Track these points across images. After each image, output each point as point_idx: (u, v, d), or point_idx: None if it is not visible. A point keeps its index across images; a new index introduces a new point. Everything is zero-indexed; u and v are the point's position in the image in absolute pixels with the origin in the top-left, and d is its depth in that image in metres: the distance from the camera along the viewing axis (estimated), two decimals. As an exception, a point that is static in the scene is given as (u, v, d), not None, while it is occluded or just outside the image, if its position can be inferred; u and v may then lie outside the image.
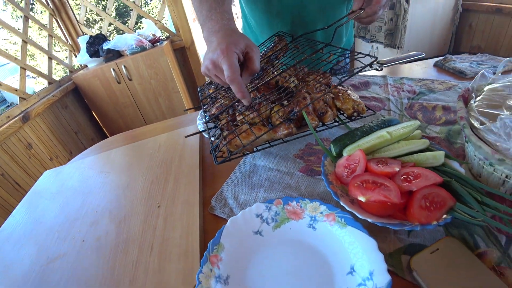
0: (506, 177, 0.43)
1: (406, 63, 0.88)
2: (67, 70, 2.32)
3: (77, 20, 2.26)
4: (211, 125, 0.70)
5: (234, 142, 0.55)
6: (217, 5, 0.61)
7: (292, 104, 0.57)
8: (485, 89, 0.56)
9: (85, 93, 2.16)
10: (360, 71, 0.56)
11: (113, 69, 2.05)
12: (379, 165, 0.44)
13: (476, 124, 0.49)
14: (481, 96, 0.55)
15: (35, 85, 2.07)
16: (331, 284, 0.37)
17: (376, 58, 0.56)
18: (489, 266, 0.36)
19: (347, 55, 1.11)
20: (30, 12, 1.95)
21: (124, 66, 2.06)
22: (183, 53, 2.45)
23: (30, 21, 1.93)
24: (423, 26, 1.79)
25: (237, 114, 0.62)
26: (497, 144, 0.43)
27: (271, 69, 0.72)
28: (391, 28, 1.83)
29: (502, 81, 0.57)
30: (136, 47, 2.05)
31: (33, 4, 2.14)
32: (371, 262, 0.36)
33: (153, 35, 2.20)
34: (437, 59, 0.97)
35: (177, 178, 0.63)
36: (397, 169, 0.42)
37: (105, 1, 2.25)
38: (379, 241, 0.41)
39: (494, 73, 0.62)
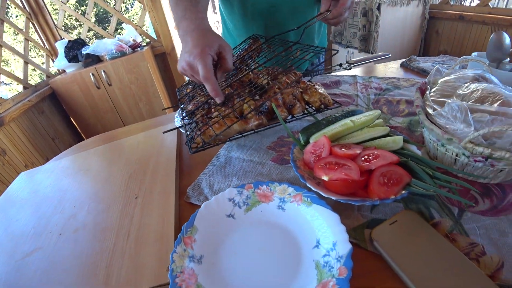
0: (456, 155, 0.47)
1: (373, 62, 0.94)
2: (44, 76, 2.26)
3: (55, 25, 2.22)
4: (189, 121, 0.72)
5: (207, 132, 0.58)
6: (192, 6, 0.64)
7: (263, 98, 0.60)
8: (439, 81, 0.62)
9: (62, 98, 2.12)
10: (331, 69, 0.60)
11: (92, 74, 2.03)
12: (343, 149, 0.47)
13: (430, 111, 0.53)
14: (435, 88, 0.60)
15: (9, 92, 2.00)
16: (299, 257, 0.39)
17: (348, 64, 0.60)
18: (443, 234, 0.40)
19: (321, 56, 1.16)
20: (5, 16, 1.91)
21: (104, 71, 2.04)
22: (163, 58, 2.46)
23: (5, 24, 1.88)
24: (394, 32, 1.90)
25: (212, 108, 0.65)
26: (447, 126, 0.48)
27: (245, 67, 0.75)
28: (365, 34, 1.93)
29: (453, 74, 0.62)
30: (116, 52, 2.04)
31: (8, 8, 2.09)
32: (334, 234, 0.38)
33: (134, 40, 2.20)
34: (404, 60, 1.04)
35: (155, 172, 0.64)
36: (358, 151, 0.46)
37: (85, 7, 2.23)
38: (344, 218, 0.44)
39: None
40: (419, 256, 0.36)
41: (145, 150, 0.76)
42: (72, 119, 2.27)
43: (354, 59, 0.88)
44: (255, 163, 0.61)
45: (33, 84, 2.07)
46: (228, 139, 0.61)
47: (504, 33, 0.62)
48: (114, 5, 2.24)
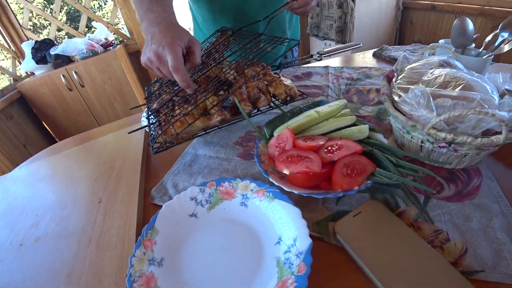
0: (422, 142, 0.47)
1: (345, 52, 0.93)
2: (11, 79, 2.15)
3: (20, 25, 2.10)
4: (153, 120, 0.69)
5: (169, 131, 0.55)
6: None
7: (227, 93, 0.58)
8: (406, 69, 0.61)
9: (32, 102, 2.01)
10: (304, 61, 0.58)
11: (63, 76, 1.94)
12: (306, 141, 0.46)
13: (396, 98, 0.52)
14: (402, 75, 0.59)
15: None
16: (261, 255, 0.38)
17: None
18: (408, 223, 0.39)
19: (295, 50, 1.15)
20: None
21: (75, 72, 1.95)
22: (138, 56, 2.38)
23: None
24: (369, 23, 1.91)
25: (176, 106, 0.62)
26: (411, 113, 0.47)
27: (212, 62, 0.72)
28: (341, 26, 1.93)
29: (420, 61, 0.62)
30: (87, 51, 1.95)
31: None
32: (295, 230, 0.37)
33: (106, 39, 2.11)
34: (376, 49, 1.03)
35: (120, 173, 0.62)
36: (322, 142, 0.44)
37: (53, 5, 2.12)
38: (308, 211, 0.43)
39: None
40: (382, 247, 0.35)
41: (112, 152, 0.73)
42: (44, 123, 2.16)
43: (325, 50, 0.87)
44: (221, 160, 0.58)
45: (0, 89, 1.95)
46: (191, 137, 0.58)
47: (467, 19, 0.62)
48: (84, 3, 2.14)
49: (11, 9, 2.05)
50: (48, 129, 2.19)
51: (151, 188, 0.56)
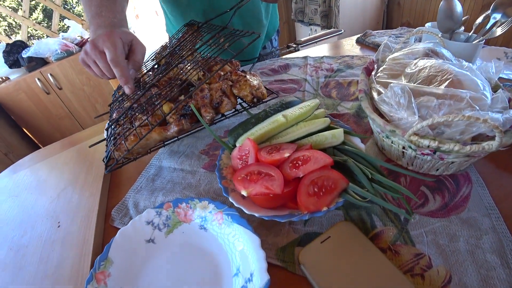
0: (403, 148, 0.41)
1: (323, 40, 0.85)
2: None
3: (-12, 27, 1.99)
4: (111, 132, 0.63)
5: (121, 147, 0.49)
6: (108, 3, 0.56)
7: (187, 99, 0.52)
8: (387, 59, 0.55)
9: (9, 109, 1.92)
10: (282, 50, 0.51)
11: (38, 79, 1.84)
12: (271, 153, 0.40)
13: (375, 95, 0.46)
14: (383, 67, 0.53)
15: None
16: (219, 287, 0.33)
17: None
18: (385, 246, 0.34)
19: (274, 39, 1.07)
20: None
21: (51, 74, 1.85)
22: (119, 54, 2.27)
23: None
24: (355, 6, 1.82)
25: (133, 118, 0.56)
26: (391, 114, 0.41)
27: (175, 61, 0.65)
28: (325, 10, 1.83)
29: (403, 50, 0.55)
30: (61, 52, 1.85)
31: None
32: (253, 262, 0.32)
33: (81, 37, 2.01)
34: (359, 35, 0.96)
35: (82, 191, 0.57)
36: (287, 155, 0.38)
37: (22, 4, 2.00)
38: (273, 235, 0.38)
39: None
40: (349, 279, 0.30)
41: (76, 166, 0.67)
42: (25, 130, 2.08)
43: (303, 39, 0.80)
44: (185, 172, 0.53)
45: (-28, 96, 1.86)
46: (149, 151, 0.52)
47: (455, 0, 0.55)
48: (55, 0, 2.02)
49: (-23, 11, 1.94)
50: (30, 135, 2.11)
51: (113, 207, 0.51)
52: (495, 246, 0.33)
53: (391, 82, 0.47)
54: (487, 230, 0.34)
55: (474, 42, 0.57)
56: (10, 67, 1.88)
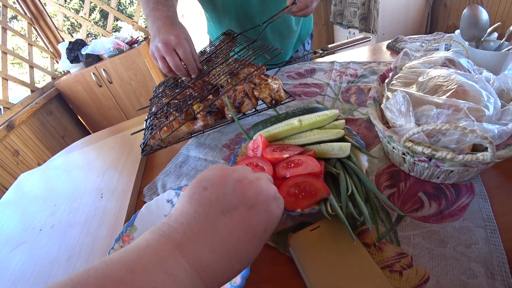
0: (403, 154, 0.42)
1: (352, 46, 0.86)
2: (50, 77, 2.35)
3: (55, 27, 2.28)
4: (150, 123, 0.72)
5: (156, 136, 0.58)
6: (163, 0, 0.69)
7: (213, 98, 0.59)
8: (404, 67, 0.56)
9: (68, 98, 2.19)
10: (303, 56, 0.56)
11: (93, 73, 2.07)
12: (274, 151, 0.44)
13: (384, 102, 0.48)
14: (399, 74, 0.54)
15: (26, 92, 2.09)
16: None
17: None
18: (370, 242, 0.37)
19: (306, 43, 1.10)
20: (14, 21, 1.98)
21: (104, 70, 2.07)
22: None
23: (8, 31, 1.95)
24: (396, 8, 1.75)
25: (168, 113, 0.65)
26: (393, 121, 0.43)
27: (208, 68, 0.73)
28: (365, 13, 1.79)
29: (421, 59, 0.56)
30: (113, 50, 2.06)
31: (15, 17, 2.16)
32: None
33: (131, 36, 2.21)
34: (389, 40, 0.95)
35: (122, 172, 0.67)
36: (286, 156, 0.42)
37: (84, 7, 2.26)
38: None
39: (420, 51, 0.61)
40: (330, 267, 0.33)
41: (120, 150, 0.79)
42: (79, 117, 2.35)
43: (330, 45, 0.82)
44: (208, 162, 0.60)
45: (40, 87, 2.15)
46: (178, 141, 0.60)
47: (480, 7, 0.54)
48: (111, 3, 2.24)
49: (47, 13, 2.22)
50: (83, 122, 2.37)
51: (146, 186, 0.60)
52: (483, 256, 0.33)
53: (394, 92, 0.48)
54: (478, 240, 0.35)
55: (503, 51, 0.55)
56: (71, 62, 2.14)
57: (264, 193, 0.25)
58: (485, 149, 0.38)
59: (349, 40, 0.83)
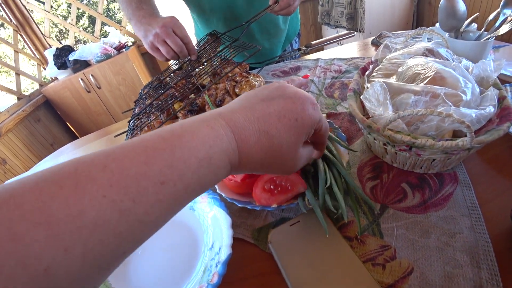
0: (384, 144, 0.42)
1: (335, 41, 0.86)
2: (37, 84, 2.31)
3: (42, 34, 2.25)
4: (132, 125, 0.71)
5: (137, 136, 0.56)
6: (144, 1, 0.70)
7: (195, 98, 0.58)
8: (384, 59, 0.55)
9: (56, 105, 2.16)
10: (289, 54, 0.56)
11: (81, 79, 2.05)
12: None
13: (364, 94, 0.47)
14: (379, 66, 0.54)
15: (14, 100, 2.05)
16: (196, 257, 0.38)
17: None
18: (352, 236, 0.35)
19: (294, 42, 1.10)
20: (0, 28, 1.95)
21: (92, 75, 2.05)
22: (151, 56, 2.43)
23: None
24: (382, 7, 1.76)
25: (150, 113, 0.63)
26: (372, 111, 0.42)
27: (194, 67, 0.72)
28: (351, 12, 1.80)
29: (401, 50, 0.55)
30: (101, 55, 2.03)
31: (2, 25, 2.13)
32: (223, 238, 0.36)
33: (119, 41, 2.19)
34: (373, 37, 0.95)
35: None
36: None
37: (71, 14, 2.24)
38: (253, 217, 0.41)
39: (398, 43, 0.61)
40: (310, 262, 0.32)
41: None
42: (68, 124, 2.31)
43: (314, 42, 0.81)
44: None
45: (27, 94, 2.11)
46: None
47: (457, -3, 0.54)
48: (98, 9, 2.23)
49: (34, 20, 2.20)
50: (72, 129, 2.34)
51: None
52: (467, 245, 0.32)
53: (371, 83, 0.48)
54: (463, 229, 0.34)
55: (482, 40, 0.55)
56: (59, 68, 2.11)
57: (302, 94, 0.27)
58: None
59: (332, 36, 0.82)
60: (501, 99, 0.40)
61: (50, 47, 2.26)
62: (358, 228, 0.36)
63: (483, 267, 0.30)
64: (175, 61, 0.93)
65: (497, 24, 0.55)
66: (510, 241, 0.32)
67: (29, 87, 3.09)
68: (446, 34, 0.59)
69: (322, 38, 2.46)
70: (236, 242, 0.37)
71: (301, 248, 0.33)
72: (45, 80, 2.34)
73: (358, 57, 0.84)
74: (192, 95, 0.61)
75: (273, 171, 0.27)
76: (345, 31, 0.95)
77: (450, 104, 0.34)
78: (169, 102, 0.59)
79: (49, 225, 0.14)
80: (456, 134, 0.38)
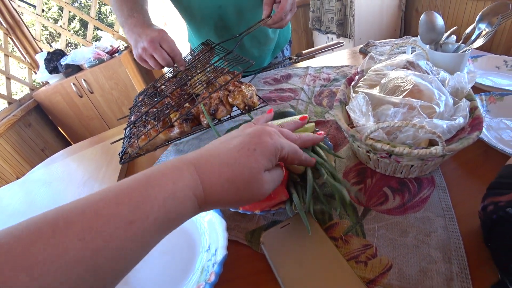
0: (367, 152, 0.45)
1: (324, 51, 0.90)
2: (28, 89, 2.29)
3: (33, 37, 2.23)
4: (129, 132, 0.73)
5: (134, 144, 0.59)
6: (137, 6, 0.71)
7: (189, 106, 0.61)
8: (369, 70, 0.59)
9: (48, 110, 2.14)
10: (280, 63, 0.58)
11: (73, 84, 2.04)
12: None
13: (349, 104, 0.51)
14: (364, 77, 0.57)
15: (3, 104, 2.03)
16: (194, 258, 0.40)
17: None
18: (337, 236, 0.39)
19: (285, 49, 1.13)
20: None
21: (84, 80, 2.05)
22: (144, 61, 2.45)
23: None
24: (371, 13, 1.82)
25: (146, 122, 0.65)
26: (356, 122, 0.45)
27: (188, 77, 0.74)
28: (341, 19, 1.86)
29: (384, 62, 0.59)
30: (94, 59, 2.04)
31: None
32: (219, 240, 0.38)
33: (111, 46, 2.19)
34: (361, 45, 0.99)
35: (103, 181, 0.67)
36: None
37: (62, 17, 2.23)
38: (247, 220, 0.44)
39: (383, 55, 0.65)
40: (299, 261, 0.35)
41: (100, 160, 0.78)
42: (60, 128, 2.30)
43: (304, 51, 0.85)
44: (185, 169, 0.61)
45: (18, 99, 2.09)
46: (156, 148, 0.61)
47: (435, 12, 0.58)
48: (90, 13, 2.23)
49: (24, 23, 2.18)
50: (64, 134, 2.32)
51: None
52: (441, 243, 0.36)
53: (355, 94, 0.51)
54: (437, 228, 0.37)
55: (459, 52, 0.60)
56: (50, 72, 2.10)
57: (259, 128, 0.32)
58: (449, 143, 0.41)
59: (322, 46, 0.86)
60: (473, 109, 0.43)
61: (41, 50, 2.25)
62: (344, 228, 0.39)
63: (454, 262, 0.33)
64: (169, 68, 0.96)
65: (472, 38, 0.59)
66: (479, 238, 0.35)
67: (18, 90, 3.05)
68: (427, 46, 0.64)
69: (313, 43, 2.52)
70: (231, 244, 0.39)
71: (291, 248, 0.36)
72: (35, 84, 2.32)
73: (346, 65, 0.88)
74: (187, 104, 0.63)
75: (242, 199, 0.29)
76: (334, 40, 0.99)
77: (425, 116, 0.38)
78: (166, 112, 0.62)
79: (31, 268, 0.17)
80: (432, 142, 0.42)
